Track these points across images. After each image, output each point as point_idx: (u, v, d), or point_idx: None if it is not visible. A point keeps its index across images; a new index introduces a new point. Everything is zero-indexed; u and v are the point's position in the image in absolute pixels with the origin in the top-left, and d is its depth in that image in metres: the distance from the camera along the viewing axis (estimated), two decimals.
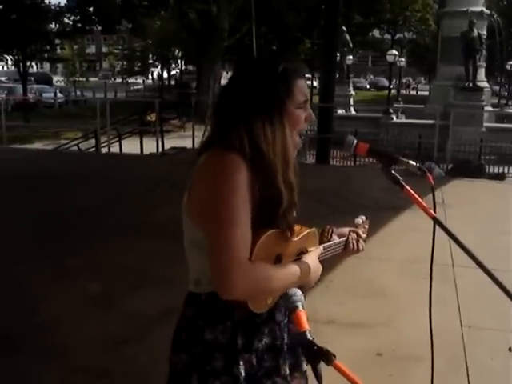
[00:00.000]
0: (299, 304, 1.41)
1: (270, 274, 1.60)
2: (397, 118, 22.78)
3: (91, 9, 39.10)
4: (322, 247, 1.86)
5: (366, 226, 2.14)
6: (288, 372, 1.76)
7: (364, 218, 2.14)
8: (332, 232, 2.00)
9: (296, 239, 1.72)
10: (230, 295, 1.56)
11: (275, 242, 1.64)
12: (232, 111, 1.66)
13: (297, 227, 1.74)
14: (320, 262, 1.84)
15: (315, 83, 40.34)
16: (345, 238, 2.01)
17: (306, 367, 1.84)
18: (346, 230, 2.05)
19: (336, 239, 2.00)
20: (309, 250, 1.79)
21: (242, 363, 1.66)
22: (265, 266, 1.60)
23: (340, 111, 23.53)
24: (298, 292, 1.45)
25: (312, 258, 1.77)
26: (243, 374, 1.66)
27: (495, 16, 24.99)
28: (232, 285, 1.52)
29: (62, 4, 40.54)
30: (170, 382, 1.80)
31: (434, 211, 1.71)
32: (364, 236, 2.11)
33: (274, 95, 1.64)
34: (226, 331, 1.66)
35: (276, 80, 1.66)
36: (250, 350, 1.68)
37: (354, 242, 2.02)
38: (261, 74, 1.69)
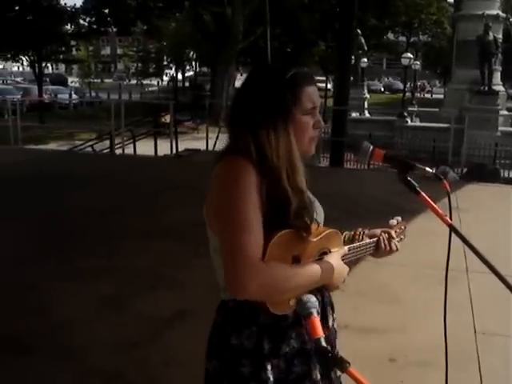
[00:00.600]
0: (314, 310, 1.40)
1: (286, 273, 1.60)
2: (411, 121, 22.72)
3: (106, 10, 39.31)
4: (346, 248, 1.84)
5: (403, 227, 2.12)
6: (319, 377, 1.74)
7: (400, 218, 2.12)
8: (363, 234, 2.00)
9: (315, 239, 1.70)
10: (242, 295, 1.58)
11: (290, 243, 1.63)
12: (240, 118, 1.71)
13: (320, 228, 1.74)
14: (346, 263, 1.82)
15: (329, 86, 40.31)
16: (375, 239, 1.99)
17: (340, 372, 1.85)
18: (378, 231, 2.04)
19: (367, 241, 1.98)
20: (332, 250, 1.77)
21: (269, 368, 1.66)
22: (279, 266, 1.59)
23: (354, 114, 23.49)
24: (313, 298, 1.44)
25: (335, 258, 1.76)
26: (271, 379, 1.66)
27: (511, 19, 24.86)
28: (244, 284, 1.54)
29: (78, 5, 40.78)
30: None
31: (450, 218, 1.70)
32: (402, 237, 2.09)
33: (279, 102, 1.66)
34: (252, 336, 1.67)
35: (283, 87, 1.67)
36: (278, 354, 1.68)
37: (386, 242, 2.00)
38: (268, 81, 1.71)
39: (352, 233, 1.97)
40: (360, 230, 2.00)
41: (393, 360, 3.99)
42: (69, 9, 39.00)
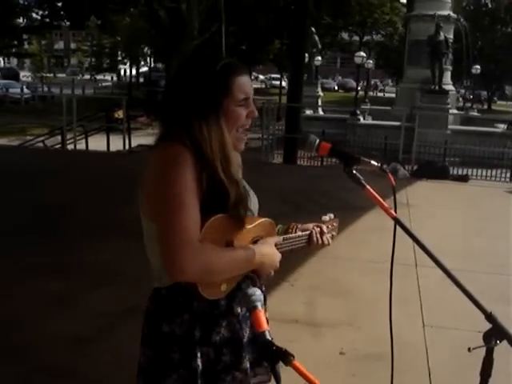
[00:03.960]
0: (258, 304, 1.41)
1: (221, 254, 1.62)
2: (364, 119, 22.97)
3: (60, 4, 38.61)
4: (281, 238, 1.87)
5: (335, 224, 2.15)
6: (248, 366, 1.76)
7: (332, 215, 2.15)
8: (296, 228, 2.02)
9: (249, 227, 1.73)
10: (181, 276, 1.59)
11: (225, 227, 1.65)
12: (171, 113, 1.71)
13: (254, 217, 1.77)
14: (281, 253, 1.85)
15: (284, 83, 40.47)
16: (308, 232, 2.02)
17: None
18: (310, 225, 2.06)
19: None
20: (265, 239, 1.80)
21: (199, 356, 1.67)
22: (214, 247, 1.61)
23: (308, 112, 23.66)
24: (258, 291, 1.44)
25: (268, 243, 1.78)
26: (200, 367, 1.67)
27: (462, 20, 25.41)
28: (183, 265, 1.54)
29: None
30: (137, 377, 1.80)
31: (395, 211, 1.72)
32: (333, 233, 2.13)
33: (208, 95, 1.66)
34: (184, 324, 1.68)
35: (212, 79, 1.67)
36: (208, 342, 1.69)
37: (318, 236, 2.03)
38: (198, 73, 1.71)
39: (285, 226, 2.01)
40: (293, 224, 2.03)
41: (343, 353, 4.03)
42: (21, 2, 38.25)
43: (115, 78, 64.03)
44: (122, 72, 64.84)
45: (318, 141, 1.83)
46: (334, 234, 2.14)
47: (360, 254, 6.07)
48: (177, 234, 1.55)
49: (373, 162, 1.78)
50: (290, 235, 1.94)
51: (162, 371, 1.71)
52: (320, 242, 2.03)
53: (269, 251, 1.77)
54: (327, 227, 2.09)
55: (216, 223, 1.61)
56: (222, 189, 1.63)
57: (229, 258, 1.63)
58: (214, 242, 1.62)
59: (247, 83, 1.73)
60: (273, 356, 1.32)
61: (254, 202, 1.81)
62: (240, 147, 1.79)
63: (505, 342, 1.59)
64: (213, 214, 1.61)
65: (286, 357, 1.29)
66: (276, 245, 1.83)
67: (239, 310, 1.74)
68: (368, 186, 1.73)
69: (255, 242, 1.76)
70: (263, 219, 1.80)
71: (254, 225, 1.75)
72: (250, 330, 1.78)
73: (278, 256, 1.81)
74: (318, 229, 2.04)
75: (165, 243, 1.58)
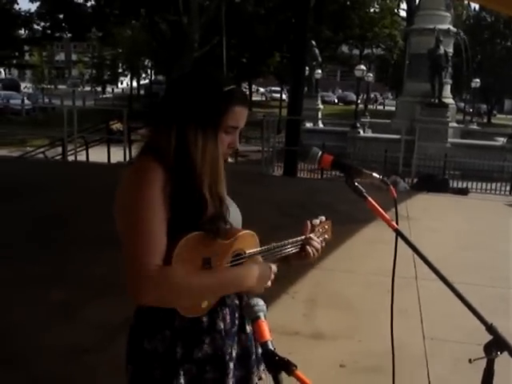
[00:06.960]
0: (261, 314, 1.41)
1: (188, 280, 1.56)
2: (364, 132, 23.00)
3: (61, 16, 38.69)
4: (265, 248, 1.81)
5: (327, 226, 2.10)
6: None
7: (323, 218, 2.09)
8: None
9: (227, 241, 1.68)
10: (140, 302, 1.58)
11: (200, 245, 1.60)
12: (169, 111, 1.68)
13: (233, 230, 1.72)
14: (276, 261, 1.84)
15: (284, 96, 40.59)
16: (301, 237, 1.95)
17: (257, 381, 1.83)
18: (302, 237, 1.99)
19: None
20: (247, 251, 1.75)
21: (182, 373, 1.65)
22: (179, 273, 1.55)
23: (308, 124, 23.71)
24: (261, 302, 1.44)
25: (256, 267, 1.73)
26: None
27: (461, 34, 25.49)
28: (140, 293, 1.52)
29: (32, 10, 40.06)
30: None
31: (397, 223, 1.73)
32: (326, 236, 2.08)
33: (214, 109, 1.65)
34: (165, 340, 1.65)
35: (220, 97, 1.66)
36: (190, 359, 1.67)
37: (310, 246, 1.96)
38: (207, 86, 1.68)
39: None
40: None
41: (343, 366, 4.02)
42: (23, 13, 38.32)
43: (116, 90, 64.13)
44: (122, 84, 64.94)
45: (320, 153, 1.83)
46: (327, 236, 2.09)
47: (360, 267, 6.06)
48: (135, 261, 1.53)
49: (374, 175, 1.79)
50: (276, 244, 1.86)
51: None
52: (311, 251, 1.96)
53: (253, 272, 1.70)
54: (318, 230, 2.03)
55: (188, 242, 1.57)
56: (200, 204, 1.61)
57: (198, 284, 1.58)
58: (190, 261, 1.58)
59: (242, 114, 1.72)
60: (276, 366, 1.32)
61: (234, 216, 1.78)
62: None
63: (505, 354, 1.60)
64: (185, 233, 1.57)
65: (288, 367, 1.30)
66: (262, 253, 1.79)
67: (222, 326, 1.71)
68: (370, 198, 1.74)
69: (237, 255, 1.72)
70: (243, 232, 1.75)
71: (233, 239, 1.70)
72: (238, 347, 1.76)
73: (266, 271, 1.75)
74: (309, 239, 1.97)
75: (126, 267, 1.55)
